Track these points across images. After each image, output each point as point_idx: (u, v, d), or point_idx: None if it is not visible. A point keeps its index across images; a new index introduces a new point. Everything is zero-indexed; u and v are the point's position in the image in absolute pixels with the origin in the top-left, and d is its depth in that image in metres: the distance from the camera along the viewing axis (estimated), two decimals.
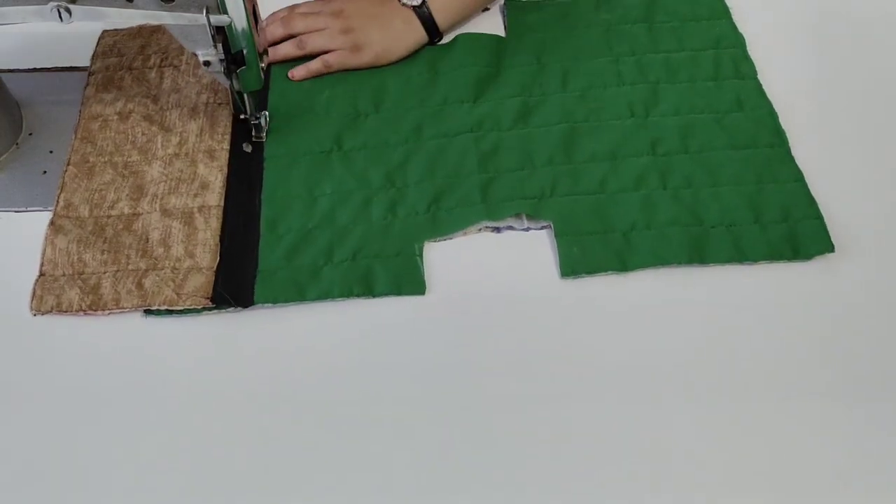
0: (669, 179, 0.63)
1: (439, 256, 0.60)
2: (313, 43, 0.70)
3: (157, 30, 0.74)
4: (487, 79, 0.70)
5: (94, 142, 0.66)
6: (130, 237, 0.59)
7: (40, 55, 0.73)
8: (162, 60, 0.72)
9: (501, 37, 0.74)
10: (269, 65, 0.70)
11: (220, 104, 0.68)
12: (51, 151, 0.66)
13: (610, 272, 0.58)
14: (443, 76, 0.71)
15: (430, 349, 0.55)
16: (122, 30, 0.74)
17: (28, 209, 0.63)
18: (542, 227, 0.61)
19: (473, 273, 0.59)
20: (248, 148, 0.65)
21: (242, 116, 0.65)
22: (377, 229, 0.60)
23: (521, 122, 0.67)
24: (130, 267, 0.57)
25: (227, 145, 0.65)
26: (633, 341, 0.55)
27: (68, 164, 0.64)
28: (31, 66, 0.72)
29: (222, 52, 0.58)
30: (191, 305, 0.55)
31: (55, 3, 0.53)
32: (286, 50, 0.70)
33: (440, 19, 0.72)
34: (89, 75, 0.71)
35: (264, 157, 0.65)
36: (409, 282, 0.57)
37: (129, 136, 0.66)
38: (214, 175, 0.63)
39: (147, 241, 0.59)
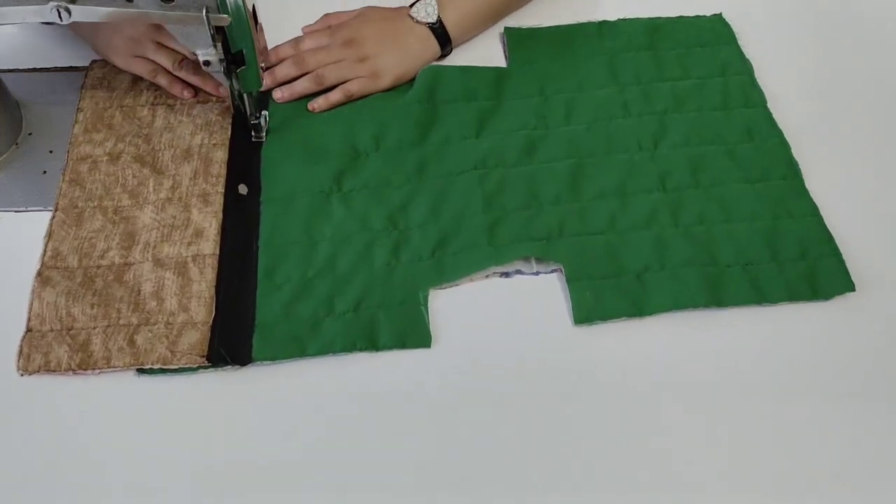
0: (681, 216, 0.60)
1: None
2: (331, 75, 0.66)
3: None
4: (489, 112, 0.67)
5: (82, 185, 0.62)
6: (121, 289, 0.55)
7: (40, 55, 0.71)
8: (155, 98, 0.68)
9: (502, 68, 0.71)
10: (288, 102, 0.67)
11: (214, 145, 0.64)
12: (50, 151, 0.65)
13: (624, 318, 0.54)
14: (442, 109, 0.67)
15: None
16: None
17: (28, 209, 0.61)
18: (551, 271, 0.57)
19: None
20: (243, 190, 0.62)
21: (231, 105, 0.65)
22: (379, 276, 0.56)
23: (525, 158, 0.63)
24: (122, 322, 0.54)
25: (221, 188, 0.61)
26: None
27: (56, 210, 0.60)
28: (31, 66, 0.70)
29: (222, 51, 0.56)
30: (186, 364, 0.51)
31: (55, 3, 0.52)
32: (304, 85, 0.66)
33: (455, 34, 0.69)
34: (77, 111, 0.67)
35: (261, 199, 0.61)
36: (414, 334, 0.53)
37: (120, 179, 0.62)
38: (209, 221, 0.59)
39: (139, 294, 0.55)
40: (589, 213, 0.60)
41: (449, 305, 0.55)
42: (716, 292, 0.55)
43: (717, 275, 0.56)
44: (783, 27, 0.76)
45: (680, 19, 0.75)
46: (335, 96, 0.66)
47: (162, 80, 0.66)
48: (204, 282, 0.55)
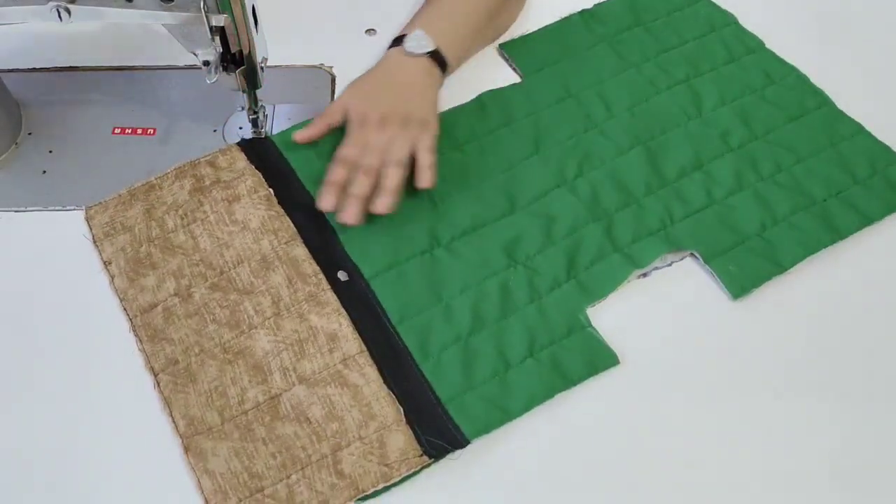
0: (761, 168, 0.64)
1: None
2: (399, 153, 0.61)
3: (153, 187, 0.64)
4: (535, 127, 0.67)
5: (167, 337, 0.56)
6: (289, 425, 0.51)
7: (40, 55, 0.72)
8: (182, 218, 0.62)
9: (520, 83, 0.71)
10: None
11: (287, 243, 0.60)
12: (50, 151, 0.66)
13: (773, 277, 0.57)
14: (488, 139, 0.66)
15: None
16: (107, 201, 0.63)
17: (28, 209, 0.62)
18: (682, 258, 0.59)
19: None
20: (343, 276, 0.58)
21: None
22: (532, 314, 0.56)
23: (595, 160, 0.65)
24: (315, 458, 0.49)
25: (326, 285, 0.57)
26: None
27: (155, 376, 0.54)
28: (31, 66, 0.72)
29: (222, 51, 0.57)
30: (408, 471, 0.48)
31: (55, 3, 0.53)
32: (392, 178, 0.59)
33: (451, 58, 0.68)
34: (106, 266, 0.60)
35: (366, 279, 0.58)
36: (600, 357, 0.54)
37: (207, 315, 0.57)
38: (336, 321, 0.55)
39: (311, 422, 0.50)
40: (684, 193, 0.62)
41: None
42: (832, 228, 0.60)
43: (823, 212, 0.61)
44: None
45: None
46: (427, 160, 0.62)
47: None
48: (371, 382, 0.52)
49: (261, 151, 0.65)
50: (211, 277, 0.58)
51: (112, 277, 0.59)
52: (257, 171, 0.64)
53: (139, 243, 0.60)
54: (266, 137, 0.67)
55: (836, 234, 0.59)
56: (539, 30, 0.75)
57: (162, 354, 0.54)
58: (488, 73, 0.72)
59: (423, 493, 0.49)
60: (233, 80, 0.60)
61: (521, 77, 0.72)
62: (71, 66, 0.72)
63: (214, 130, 0.69)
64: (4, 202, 0.62)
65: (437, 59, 0.67)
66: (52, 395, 0.53)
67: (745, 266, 0.57)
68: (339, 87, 0.72)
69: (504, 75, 0.72)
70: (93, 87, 0.71)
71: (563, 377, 0.52)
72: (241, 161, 0.65)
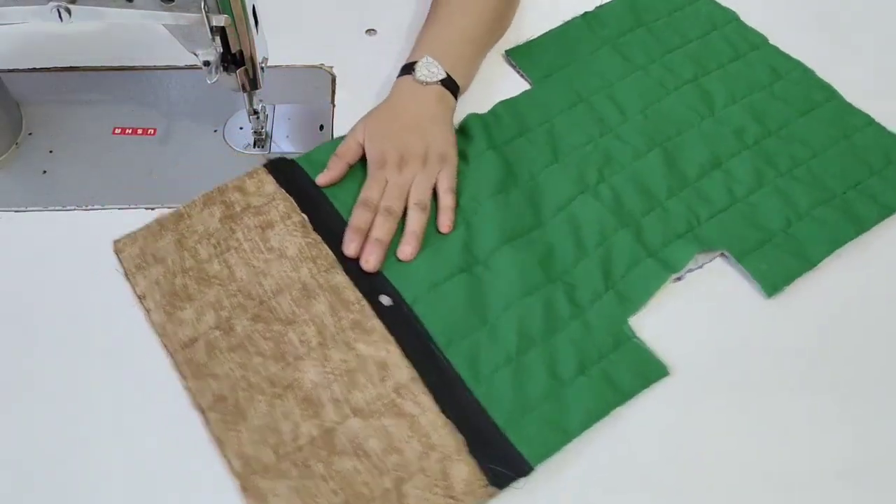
0: (778, 164, 0.65)
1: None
2: (422, 196, 0.62)
3: (181, 216, 0.63)
4: (550, 134, 0.68)
5: (212, 373, 0.55)
6: (347, 460, 0.51)
7: (40, 55, 0.73)
8: (216, 247, 0.61)
9: (531, 89, 0.71)
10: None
11: (327, 271, 0.59)
12: (51, 151, 0.66)
13: (803, 274, 0.59)
14: (506, 149, 0.67)
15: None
16: (135, 232, 0.62)
17: (28, 209, 0.63)
18: (712, 259, 0.60)
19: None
20: (387, 301, 0.58)
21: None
22: (577, 329, 0.56)
23: (615, 164, 0.65)
24: (378, 493, 0.49)
25: (370, 311, 0.57)
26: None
27: (203, 413, 0.53)
28: (31, 66, 0.72)
29: (222, 51, 0.58)
30: (475, 503, 0.48)
31: (55, 3, 0.53)
32: (415, 223, 0.60)
33: (461, 82, 0.69)
34: (141, 300, 0.59)
35: (408, 303, 0.58)
36: (650, 369, 0.54)
37: (251, 348, 0.56)
38: (385, 349, 0.55)
39: (369, 456, 0.51)
40: (706, 192, 0.63)
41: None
42: (856, 220, 0.61)
43: (844, 204, 0.62)
44: None
45: None
46: (447, 201, 0.62)
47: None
48: (428, 411, 0.52)
49: (289, 174, 0.65)
50: (251, 308, 0.57)
51: (148, 311, 0.57)
52: (288, 196, 0.63)
53: (173, 275, 0.59)
54: (292, 160, 0.66)
55: (860, 227, 0.60)
56: (543, 35, 0.75)
57: (208, 393, 0.53)
58: (496, 80, 0.72)
59: None
60: (233, 80, 0.61)
61: (529, 83, 0.72)
62: (71, 66, 0.72)
63: (215, 130, 0.69)
64: (4, 202, 0.63)
65: (448, 83, 0.67)
66: (52, 396, 0.53)
67: (775, 264, 0.58)
68: (339, 87, 0.72)
69: (512, 82, 0.73)
70: (93, 87, 0.71)
71: (616, 392, 0.53)
72: (270, 185, 0.64)
